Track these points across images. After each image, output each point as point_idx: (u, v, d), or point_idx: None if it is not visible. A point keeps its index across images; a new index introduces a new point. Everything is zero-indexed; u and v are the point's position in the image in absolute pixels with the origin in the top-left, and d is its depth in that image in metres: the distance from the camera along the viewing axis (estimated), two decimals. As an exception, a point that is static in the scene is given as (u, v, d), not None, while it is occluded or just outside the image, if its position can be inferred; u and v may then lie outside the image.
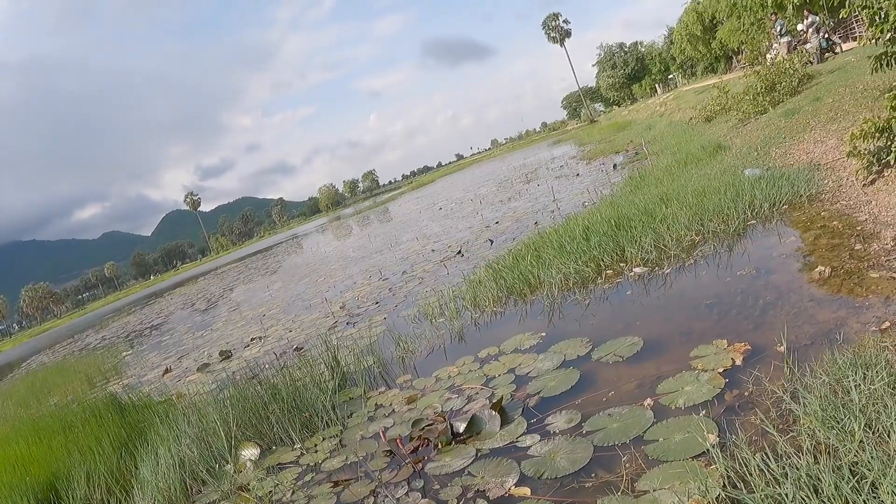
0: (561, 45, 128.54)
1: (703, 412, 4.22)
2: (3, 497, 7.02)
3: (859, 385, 3.58)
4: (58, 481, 7.20)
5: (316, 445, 6.25)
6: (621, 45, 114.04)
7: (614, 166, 21.74)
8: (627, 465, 3.99)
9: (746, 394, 4.31)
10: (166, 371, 14.25)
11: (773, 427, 3.60)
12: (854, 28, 26.35)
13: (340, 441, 6.16)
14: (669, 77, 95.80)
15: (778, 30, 24.07)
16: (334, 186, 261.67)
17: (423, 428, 5.50)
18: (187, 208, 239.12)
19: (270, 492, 5.55)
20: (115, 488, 6.71)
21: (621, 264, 8.50)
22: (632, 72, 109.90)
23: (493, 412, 5.21)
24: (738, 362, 4.75)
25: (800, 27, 22.78)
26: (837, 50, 21.98)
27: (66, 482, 7.02)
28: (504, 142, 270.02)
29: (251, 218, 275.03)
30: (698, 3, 65.74)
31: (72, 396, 15.03)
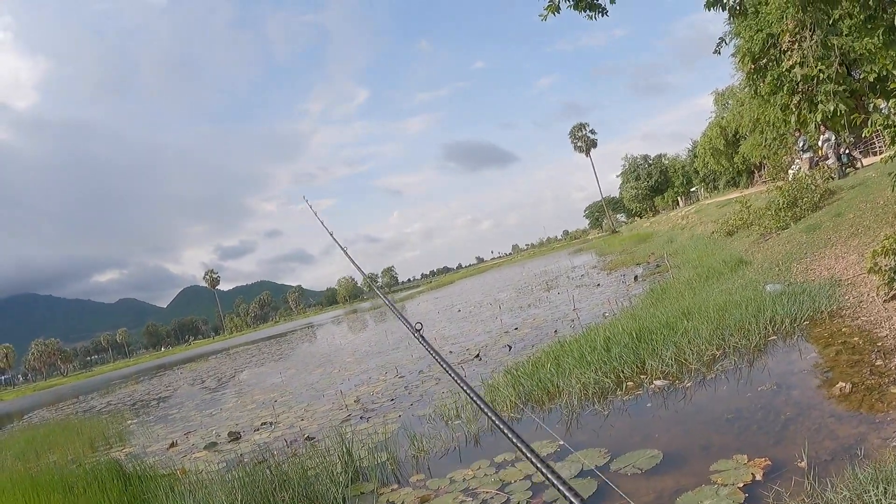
0: (587, 155, 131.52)
1: None
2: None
3: (881, 500, 3.64)
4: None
5: (324, 538, 6.24)
6: (645, 157, 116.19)
7: (635, 278, 21.93)
8: None
9: None
10: (172, 444, 14.23)
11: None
12: (874, 143, 26.74)
13: (350, 532, 6.16)
14: (692, 190, 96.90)
15: (801, 145, 24.54)
16: (353, 279, 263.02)
17: (436, 530, 5.52)
18: (205, 285, 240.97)
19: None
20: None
21: (642, 376, 8.57)
22: (655, 183, 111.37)
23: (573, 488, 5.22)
24: (759, 477, 4.81)
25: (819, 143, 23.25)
26: (858, 165, 22.35)
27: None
28: (525, 247, 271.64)
29: (268, 302, 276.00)
30: (722, 118, 67.11)
31: (72, 457, 15.00)
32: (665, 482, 5.32)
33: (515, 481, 6.32)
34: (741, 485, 4.78)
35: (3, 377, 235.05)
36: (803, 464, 4.70)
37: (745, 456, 5.23)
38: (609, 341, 9.83)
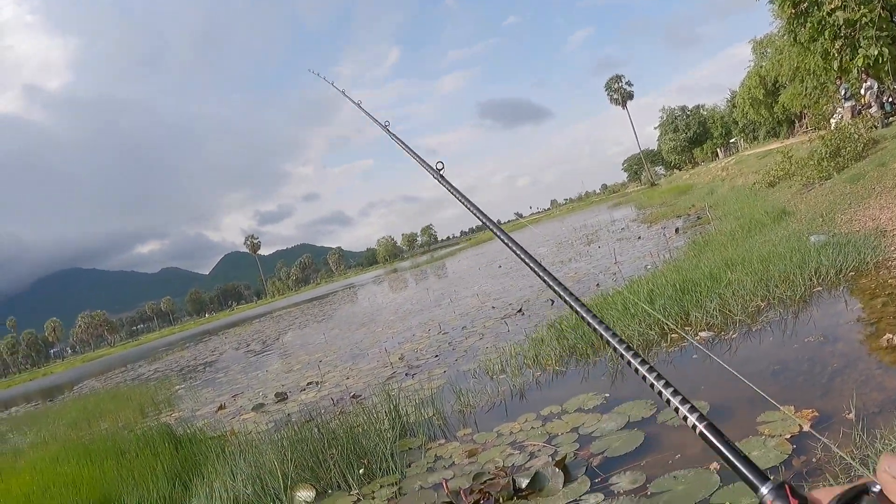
0: (623, 107, 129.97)
1: (771, 478, 4.20)
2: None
3: (931, 450, 3.60)
4: (108, 504, 7.42)
5: (373, 492, 6.33)
6: (683, 109, 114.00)
7: (676, 230, 21.70)
8: None
9: (815, 460, 4.33)
10: (220, 408, 14.53)
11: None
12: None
13: (399, 489, 6.24)
14: (731, 141, 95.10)
15: (842, 94, 23.92)
16: (393, 239, 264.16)
17: (485, 481, 5.59)
18: (246, 251, 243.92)
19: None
20: (168, 517, 6.90)
21: (686, 328, 8.53)
22: (693, 135, 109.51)
23: (557, 469, 5.28)
24: (806, 429, 4.77)
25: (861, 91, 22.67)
26: (902, 114, 21.73)
27: (118, 505, 7.23)
28: (563, 202, 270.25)
29: (308, 265, 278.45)
30: (761, 67, 65.42)
31: (123, 423, 15.38)
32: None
33: (562, 433, 6.35)
34: (788, 436, 4.75)
35: (52, 350, 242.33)
36: (851, 415, 4.63)
37: (793, 407, 5.18)
38: (653, 293, 9.76)
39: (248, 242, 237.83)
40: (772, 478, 0.77)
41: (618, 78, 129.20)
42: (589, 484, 5.10)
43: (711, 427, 0.92)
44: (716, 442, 0.88)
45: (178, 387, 22.56)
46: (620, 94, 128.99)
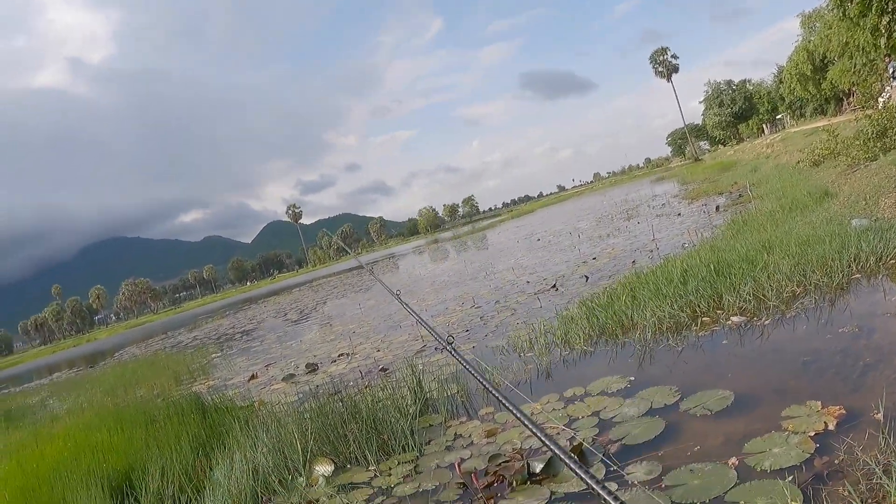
0: (668, 80, 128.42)
1: (790, 478, 4.05)
2: (80, 480, 7.34)
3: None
4: (133, 472, 7.50)
5: (390, 469, 6.31)
6: (729, 83, 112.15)
7: (717, 208, 21.36)
8: None
9: (837, 462, 4.11)
10: (252, 377, 14.66)
11: (861, 502, 3.46)
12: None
13: (415, 467, 6.20)
14: (777, 117, 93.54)
15: (891, 72, 23.27)
16: (434, 209, 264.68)
17: (500, 464, 5.51)
18: (288, 220, 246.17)
19: (339, 509, 5.64)
20: (188, 487, 6.94)
21: (718, 311, 8.28)
22: (739, 110, 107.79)
23: (573, 455, 5.15)
24: (831, 427, 4.54)
25: None
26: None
27: (141, 474, 7.30)
28: (606, 175, 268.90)
29: (350, 234, 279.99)
30: (808, 42, 64.06)
31: (158, 391, 15.58)
32: (734, 426, 5.10)
33: (583, 417, 6.22)
34: (812, 433, 4.52)
35: (96, 317, 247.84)
36: (879, 415, 4.38)
37: (819, 403, 4.93)
38: (686, 274, 9.53)
39: (290, 212, 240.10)
40: None
41: (663, 50, 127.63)
42: (604, 472, 4.96)
43: None
44: None
45: (214, 355, 22.86)
46: (665, 66, 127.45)
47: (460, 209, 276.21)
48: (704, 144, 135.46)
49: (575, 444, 5.43)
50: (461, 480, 5.49)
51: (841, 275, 8.16)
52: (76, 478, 7.51)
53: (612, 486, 4.68)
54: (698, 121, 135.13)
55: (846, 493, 3.63)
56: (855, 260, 8.44)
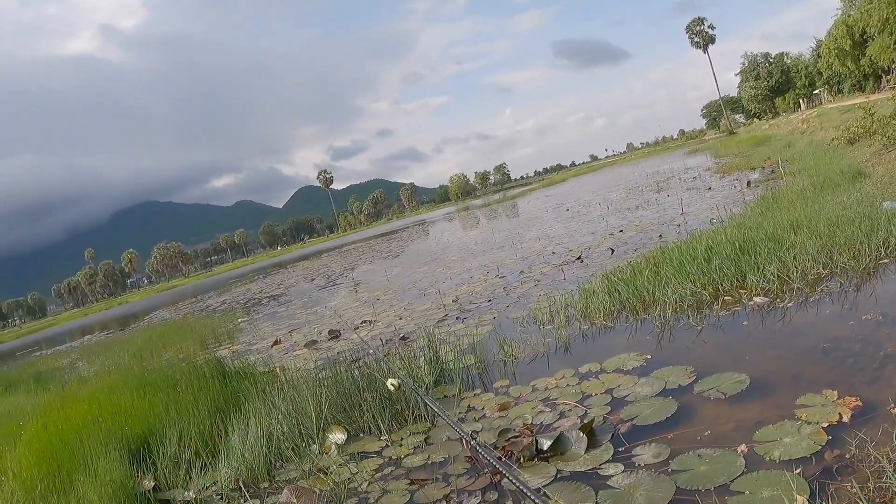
0: (704, 52, 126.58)
1: (798, 470, 3.94)
2: (100, 442, 7.45)
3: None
4: (151, 436, 7.59)
5: (402, 439, 6.33)
6: (766, 56, 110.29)
7: (748, 183, 21.03)
8: None
9: (847, 456, 3.98)
10: (276, 342, 14.79)
11: (867, 501, 3.37)
12: None
13: (426, 439, 6.22)
14: (815, 92, 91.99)
15: None
16: (465, 176, 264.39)
17: (509, 439, 5.48)
18: (319, 185, 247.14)
19: (348, 479, 5.66)
20: (204, 451, 7.02)
21: (741, 291, 8.13)
22: (775, 84, 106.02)
23: (582, 434, 5.10)
24: (846, 419, 4.39)
25: None
26: None
27: (159, 438, 7.39)
28: (639, 146, 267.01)
29: (381, 200, 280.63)
30: (848, 16, 62.57)
31: (183, 355, 15.74)
32: (747, 411, 4.98)
33: (596, 394, 6.16)
34: (826, 425, 4.39)
35: (129, 281, 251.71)
36: (895, 410, 4.30)
37: (836, 392, 4.78)
38: (711, 251, 9.34)
39: (322, 177, 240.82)
40: None
41: (700, 21, 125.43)
42: (612, 452, 4.91)
43: None
44: None
45: (240, 320, 23.06)
46: (702, 37, 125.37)
47: (491, 177, 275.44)
48: (740, 118, 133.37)
49: (586, 421, 5.38)
50: (469, 454, 5.47)
51: (868, 259, 7.93)
52: (97, 440, 7.62)
53: (619, 467, 4.65)
54: (734, 93, 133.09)
55: (854, 491, 3.52)
56: (884, 244, 8.19)
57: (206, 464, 6.84)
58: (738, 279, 8.38)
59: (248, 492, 5.96)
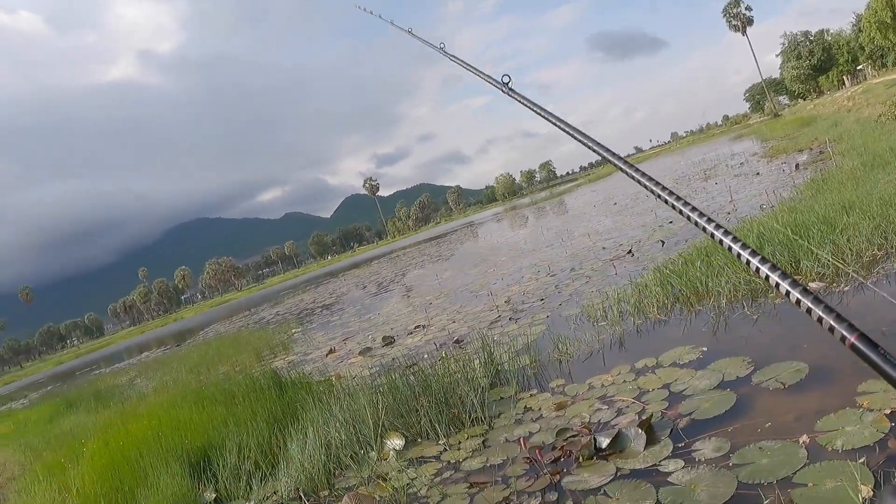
0: (743, 34, 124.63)
1: (862, 459, 3.86)
2: (160, 457, 7.64)
3: None
4: (211, 449, 7.77)
5: (460, 443, 6.36)
6: (806, 34, 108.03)
7: (797, 166, 20.57)
8: None
9: None
10: (330, 351, 14.94)
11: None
12: None
13: (484, 441, 6.23)
14: (858, 68, 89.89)
15: None
16: (511, 176, 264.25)
17: (567, 438, 5.49)
18: (366, 193, 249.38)
19: (407, 484, 5.71)
20: (263, 462, 7.17)
21: (795, 277, 8.00)
22: (818, 62, 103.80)
23: (640, 430, 5.08)
24: None
25: None
26: None
27: (219, 451, 7.56)
28: (684, 135, 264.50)
29: (428, 204, 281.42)
30: None
31: (239, 368, 16.00)
32: (808, 401, 4.89)
33: (653, 389, 6.11)
34: (888, 411, 4.28)
35: (183, 297, 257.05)
36: None
37: None
38: (762, 237, 9.21)
39: (367, 185, 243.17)
40: None
41: (736, 2, 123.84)
42: (671, 448, 4.87)
43: (864, 338, 0.92)
44: (870, 355, 0.88)
45: (294, 330, 23.34)
46: (740, 19, 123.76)
47: (537, 175, 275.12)
48: (783, 99, 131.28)
49: (644, 418, 5.36)
50: (528, 456, 5.49)
51: (924, 237, 7.77)
52: (157, 455, 7.81)
53: (679, 463, 4.62)
54: (776, 75, 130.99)
55: None
56: (940, 220, 8.03)
57: (265, 474, 6.98)
58: (791, 265, 8.23)
59: (307, 501, 6.06)
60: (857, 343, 0.84)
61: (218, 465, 7.36)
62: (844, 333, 0.85)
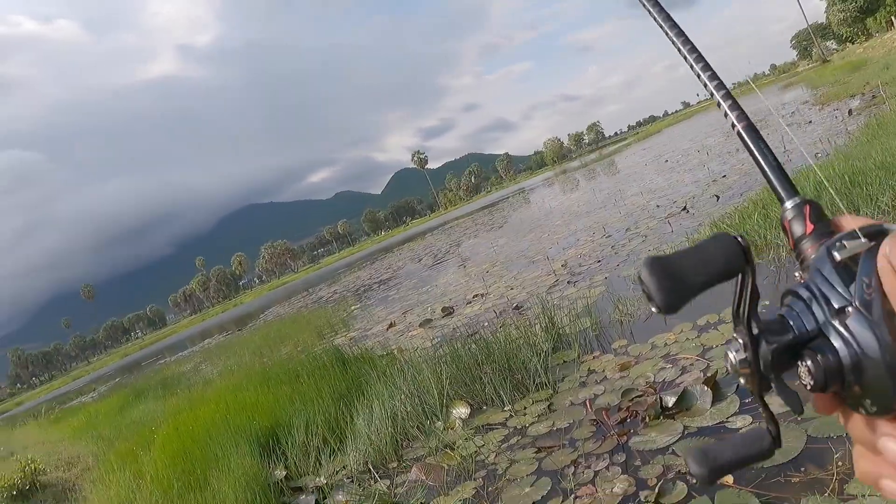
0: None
1: (800, 194, 3.77)
2: (230, 439, 7.83)
3: None
4: (279, 428, 7.94)
5: (525, 408, 6.40)
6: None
7: (849, 112, 20.01)
8: (839, 464, 3.68)
9: None
10: (390, 325, 15.07)
11: None
12: None
13: (549, 406, 6.26)
14: None
15: None
16: (559, 140, 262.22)
17: (633, 399, 5.49)
18: (415, 166, 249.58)
19: (475, 452, 5.77)
20: (330, 438, 7.30)
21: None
22: (864, 3, 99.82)
23: (706, 388, 5.05)
24: None
25: None
26: None
27: (287, 429, 7.73)
28: (732, 87, 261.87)
29: (478, 173, 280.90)
30: None
31: (301, 347, 16.21)
32: None
33: (716, 346, 6.03)
34: None
35: (241, 282, 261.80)
36: None
37: None
38: (820, 186, 9.03)
39: (416, 158, 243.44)
40: (800, 194, 0.74)
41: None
42: (738, 404, 4.84)
43: (751, 129, 0.85)
44: (751, 145, 0.82)
45: (353, 307, 23.56)
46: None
47: (585, 137, 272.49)
48: (831, 44, 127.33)
49: (709, 375, 5.32)
50: (594, 418, 5.50)
51: None
52: (227, 437, 8.00)
53: (747, 419, 4.58)
54: (822, 19, 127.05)
55: None
56: None
57: (334, 449, 7.10)
58: (851, 213, 8.03)
59: (377, 473, 6.16)
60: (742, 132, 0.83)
61: (286, 444, 7.52)
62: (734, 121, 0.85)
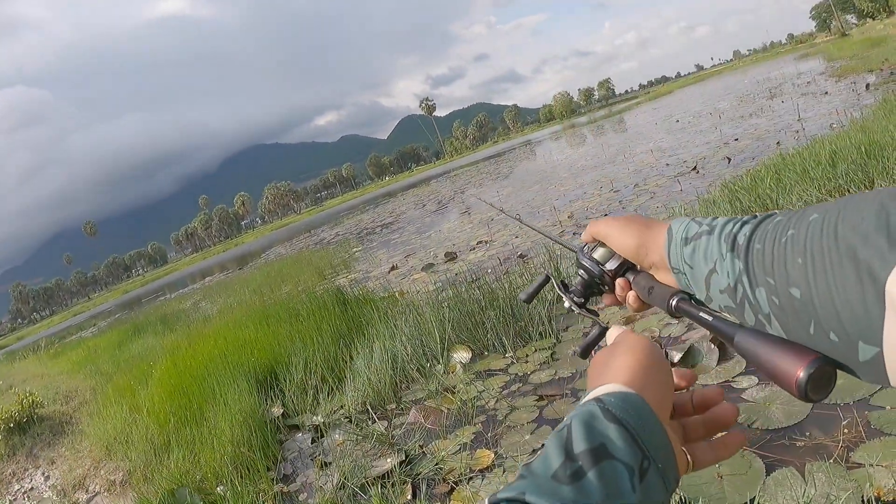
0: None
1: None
2: (228, 375, 7.80)
3: None
4: (277, 365, 7.92)
5: (527, 356, 6.33)
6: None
7: (867, 86, 19.66)
8: (846, 431, 3.57)
9: None
10: (392, 268, 15.03)
11: None
12: None
13: (552, 354, 6.18)
14: None
15: None
16: (569, 94, 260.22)
17: (638, 352, 5.39)
18: (422, 113, 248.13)
19: (475, 397, 5.71)
20: (329, 377, 7.25)
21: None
22: None
23: (713, 345, 4.94)
24: None
25: None
26: None
27: (285, 367, 7.70)
28: (747, 53, 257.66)
29: (485, 123, 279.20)
30: None
31: (302, 287, 16.16)
32: None
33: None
34: None
35: (243, 223, 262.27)
36: None
37: None
38: (835, 156, 8.83)
39: (424, 105, 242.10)
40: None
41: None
42: (745, 364, 4.71)
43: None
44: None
45: (355, 249, 23.52)
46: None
47: (595, 93, 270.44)
48: (851, 18, 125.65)
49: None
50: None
51: None
52: (225, 374, 7.97)
53: (752, 380, 4.45)
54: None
55: None
56: None
57: (332, 389, 7.06)
58: (865, 184, 7.91)
59: (375, 413, 6.11)
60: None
61: (284, 382, 7.49)
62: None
